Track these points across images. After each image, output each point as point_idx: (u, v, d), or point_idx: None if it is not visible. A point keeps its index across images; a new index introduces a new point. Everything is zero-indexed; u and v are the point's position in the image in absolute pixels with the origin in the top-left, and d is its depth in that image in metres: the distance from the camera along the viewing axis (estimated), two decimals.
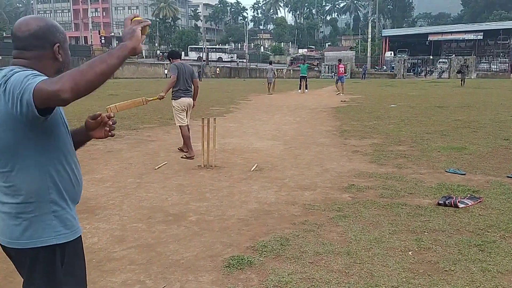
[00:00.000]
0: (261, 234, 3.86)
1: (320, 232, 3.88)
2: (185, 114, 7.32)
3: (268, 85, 23.90)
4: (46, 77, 1.42)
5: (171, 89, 7.16)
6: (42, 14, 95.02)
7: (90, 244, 3.68)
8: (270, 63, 27.34)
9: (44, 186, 1.56)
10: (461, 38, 59.15)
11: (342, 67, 24.14)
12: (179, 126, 7.29)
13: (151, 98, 7.18)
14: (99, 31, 76.57)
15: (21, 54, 1.58)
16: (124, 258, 3.42)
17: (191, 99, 7.32)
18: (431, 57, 54.17)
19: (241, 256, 3.38)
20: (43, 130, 1.53)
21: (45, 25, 1.60)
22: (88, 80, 1.36)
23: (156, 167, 6.43)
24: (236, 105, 16.72)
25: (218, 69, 59.31)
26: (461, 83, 27.86)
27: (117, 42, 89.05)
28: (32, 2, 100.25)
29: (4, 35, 74.42)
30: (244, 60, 66.44)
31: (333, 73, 46.07)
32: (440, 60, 52.60)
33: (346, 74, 50.14)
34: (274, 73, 24.85)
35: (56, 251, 1.59)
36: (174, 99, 7.23)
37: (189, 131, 7.39)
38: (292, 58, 66.32)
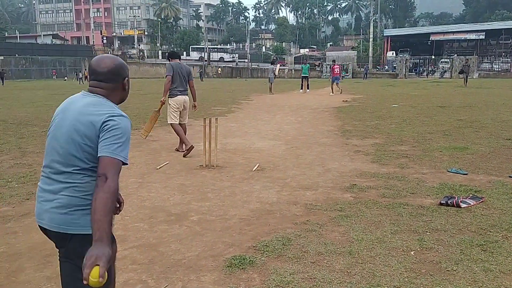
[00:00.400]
0: (263, 234, 3.86)
1: (322, 232, 3.88)
2: (180, 113, 7.43)
3: (270, 85, 23.89)
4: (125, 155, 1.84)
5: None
6: (44, 14, 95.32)
7: None
8: (272, 63, 27.17)
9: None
10: (463, 38, 59.00)
11: (337, 68, 23.98)
12: (170, 123, 7.37)
13: (158, 108, 7.35)
14: (100, 31, 76.73)
15: (99, 84, 1.97)
16: (126, 258, 3.42)
17: (187, 97, 7.42)
18: (433, 57, 54.05)
19: (243, 256, 3.38)
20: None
21: (119, 63, 2.02)
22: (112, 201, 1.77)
23: (158, 167, 6.43)
24: (238, 105, 16.73)
25: (219, 69, 59.36)
26: (464, 83, 27.57)
27: (118, 42, 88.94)
28: (34, 2, 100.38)
29: (6, 35, 74.53)
30: (246, 60, 66.43)
31: (328, 74, 45.83)
32: (442, 60, 52.45)
33: (348, 74, 50.36)
34: (274, 73, 24.77)
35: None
36: (170, 97, 7.36)
37: (185, 130, 7.47)
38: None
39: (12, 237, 3.86)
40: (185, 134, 7.50)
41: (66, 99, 2.03)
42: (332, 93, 22.83)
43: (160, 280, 3.08)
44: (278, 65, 31.32)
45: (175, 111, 7.35)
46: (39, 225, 1.99)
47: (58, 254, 2.06)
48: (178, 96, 7.29)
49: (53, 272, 3.20)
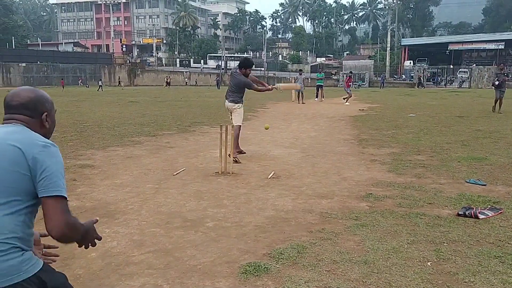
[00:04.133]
0: (278, 242, 3.87)
1: (337, 240, 3.87)
2: (230, 115, 7.89)
3: (298, 94, 23.02)
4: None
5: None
6: (66, 23, 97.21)
7: (109, 248, 3.73)
8: (300, 71, 26.25)
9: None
10: (482, 48, 58.33)
11: (349, 80, 24.28)
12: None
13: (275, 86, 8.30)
14: (120, 39, 77.97)
15: (13, 116, 1.77)
16: (142, 262, 3.46)
17: (227, 102, 7.84)
18: (451, 66, 53.51)
19: (258, 263, 3.39)
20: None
21: (37, 96, 1.81)
22: (73, 237, 1.69)
23: (175, 173, 6.49)
24: (254, 113, 16.79)
25: None
26: (496, 107, 15.87)
27: (137, 50, 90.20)
28: (56, 11, 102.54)
29: (29, 42, 76.22)
30: (262, 69, 66.67)
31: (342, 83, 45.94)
32: (460, 69, 51.91)
33: (364, 83, 50.18)
34: (302, 83, 23.62)
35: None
36: None
37: (238, 135, 7.63)
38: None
39: None
40: (236, 139, 7.54)
41: None
42: (348, 103, 22.42)
43: (176, 285, 3.10)
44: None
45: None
46: None
47: None
48: (225, 101, 7.90)
49: (71, 275, 3.24)
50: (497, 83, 15.20)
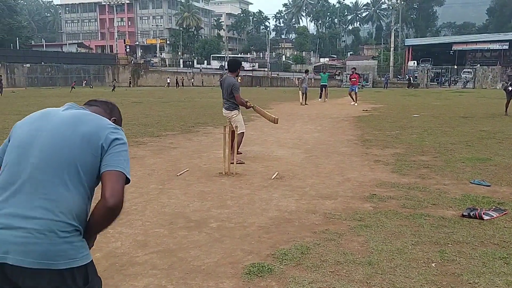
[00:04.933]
0: (282, 242, 3.86)
1: (341, 241, 3.86)
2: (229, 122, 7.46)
3: (302, 95, 22.31)
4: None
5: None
6: (70, 23, 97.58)
7: (113, 248, 3.74)
8: (306, 72, 25.34)
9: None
10: (486, 48, 58.14)
11: (354, 77, 23.00)
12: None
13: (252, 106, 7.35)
14: (124, 40, 78.15)
15: (88, 107, 1.90)
16: (146, 263, 3.47)
17: (224, 109, 7.55)
18: (455, 66, 53.37)
19: (262, 264, 3.38)
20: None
21: (112, 103, 2.02)
22: (117, 215, 1.64)
23: (178, 174, 6.50)
24: (257, 113, 16.77)
25: (239, 78, 59.72)
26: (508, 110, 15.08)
27: (141, 50, 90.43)
28: (60, 11, 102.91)
29: (33, 43, 76.50)
30: (266, 69, 66.70)
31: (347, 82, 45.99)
32: (464, 70, 51.77)
33: (368, 84, 50.25)
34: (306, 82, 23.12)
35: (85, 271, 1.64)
36: None
37: (238, 142, 7.33)
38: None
39: None
40: (238, 145, 7.35)
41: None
42: (355, 102, 21.63)
43: (180, 286, 3.10)
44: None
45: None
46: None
47: None
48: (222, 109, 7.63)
49: None
50: (510, 88, 14.37)
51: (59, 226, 1.54)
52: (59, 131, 1.67)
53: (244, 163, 7.23)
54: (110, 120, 1.85)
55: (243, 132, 7.60)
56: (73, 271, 1.55)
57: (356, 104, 21.32)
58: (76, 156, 1.63)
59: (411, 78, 50.04)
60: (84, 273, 1.60)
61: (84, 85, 53.82)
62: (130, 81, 57.29)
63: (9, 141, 1.74)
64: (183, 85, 51.70)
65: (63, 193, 1.58)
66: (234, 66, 7.52)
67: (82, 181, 1.63)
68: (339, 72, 56.57)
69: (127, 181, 1.68)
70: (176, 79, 53.56)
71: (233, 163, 6.55)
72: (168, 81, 53.89)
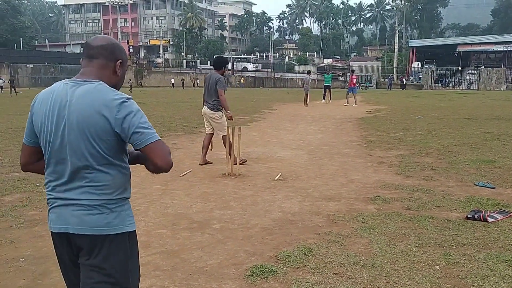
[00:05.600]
0: (285, 244, 3.85)
1: (345, 243, 3.84)
2: (208, 123, 7.29)
3: (305, 96, 22.45)
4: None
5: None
6: (73, 24, 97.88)
7: None
8: (308, 72, 25.50)
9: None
10: (490, 49, 57.90)
11: (354, 78, 23.99)
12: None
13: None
14: (127, 40, 78.27)
15: (88, 63, 1.88)
16: (149, 264, 3.46)
17: (205, 108, 7.17)
18: (460, 68, 53.20)
19: (265, 265, 3.37)
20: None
21: (115, 43, 1.94)
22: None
23: (181, 175, 6.49)
24: (261, 115, 16.78)
25: (242, 78, 59.74)
26: None
27: (144, 51, 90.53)
28: (64, 12, 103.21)
29: (36, 43, 76.75)
30: (269, 70, 66.68)
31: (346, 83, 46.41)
32: (469, 71, 51.60)
33: (372, 85, 50.36)
34: (308, 84, 23.19)
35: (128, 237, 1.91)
36: None
37: (211, 144, 7.35)
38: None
39: (39, 240, 3.94)
40: (211, 148, 7.37)
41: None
42: (347, 103, 22.42)
43: (182, 287, 3.09)
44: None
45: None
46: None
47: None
48: (203, 107, 7.28)
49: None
50: None
51: (105, 201, 1.81)
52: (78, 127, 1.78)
53: (246, 160, 7.26)
54: (116, 63, 1.89)
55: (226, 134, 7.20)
56: (123, 236, 1.85)
57: (346, 105, 21.97)
58: (102, 145, 1.79)
59: (403, 80, 50.84)
60: (127, 239, 1.88)
61: None
62: (140, 82, 56.65)
63: None
64: (183, 87, 51.45)
65: (107, 174, 1.82)
66: (220, 63, 7.24)
67: (112, 162, 1.82)
68: (342, 73, 56.47)
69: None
70: (182, 82, 53.30)
71: (236, 163, 6.54)
72: (172, 81, 53.76)
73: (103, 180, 1.81)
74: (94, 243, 1.82)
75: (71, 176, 1.80)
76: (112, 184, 1.82)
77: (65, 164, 1.80)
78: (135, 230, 1.95)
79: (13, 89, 33.22)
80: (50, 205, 1.87)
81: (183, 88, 50.28)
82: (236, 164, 6.54)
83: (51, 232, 1.89)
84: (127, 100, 1.79)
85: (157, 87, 54.77)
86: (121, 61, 1.91)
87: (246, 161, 7.26)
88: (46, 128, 1.81)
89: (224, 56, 7.04)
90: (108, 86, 1.82)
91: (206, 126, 7.39)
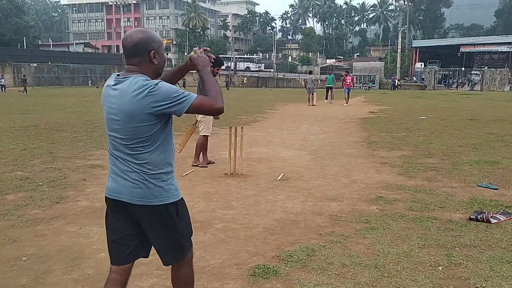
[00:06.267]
0: (287, 244, 3.85)
1: (347, 243, 3.84)
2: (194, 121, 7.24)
3: (309, 96, 22.52)
4: (195, 95, 2.09)
5: None
6: (77, 23, 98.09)
7: None
8: (310, 72, 25.85)
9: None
10: (494, 50, 57.68)
11: (349, 79, 24.47)
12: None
13: (194, 122, 7.19)
14: None
15: (128, 61, 2.14)
16: (151, 263, 3.45)
17: None
18: (463, 68, 53.04)
19: (267, 265, 3.37)
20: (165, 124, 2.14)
21: (144, 37, 2.12)
22: (221, 94, 2.15)
23: (184, 174, 6.49)
24: (263, 114, 16.77)
25: (245, 78, 59.76)
26: None
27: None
28: (67, 11, 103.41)
29: (40, 43, 76.90)
30: (272, 70, 66.66)
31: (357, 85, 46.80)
32: (472, 72, 51.42)
33: (375, 85, 50.35)
34: (313, 83, 23.27)
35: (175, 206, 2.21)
36: None
37: (205, 145, 7.32)
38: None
39: (41, 239, 3.95)
40: (201, 149, 7.32)
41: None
42: (346, 103, 22.95)
43: None
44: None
45: None
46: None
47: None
48: None
49: (81, 274, 3.26)
50: None
51: (151, 176, 2.10)
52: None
53: (207, 167, 7.11)
54: (150, 54, 2.11)
55: (207, 136, 7.20)
56: (168, 206, 2.15)
57: (345, 104, 22.48)
58: (142, 132, 2.08)
59: (395, 81, 50.68)
60: (175, 207, 2.19)
61: (90, 85, 54.01)
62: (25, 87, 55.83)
63: None
64: (184, 86, 51.26)
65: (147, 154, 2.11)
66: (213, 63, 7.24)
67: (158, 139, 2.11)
68: (345, 74, 56.42)
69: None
70: (184, 81, 53.15)
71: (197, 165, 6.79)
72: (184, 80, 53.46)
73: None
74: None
75: None
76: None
77: None
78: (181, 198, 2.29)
79: (25, 88, 33.66)
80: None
81: (184, 87, 50.10)
82: (196, 165, 6.93)
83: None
84: (152, 86, 2.05)
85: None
86: (153, 51, 2.12)
87: (206, 166, 7.14)
88: None
89: (219, 56, 7.03)
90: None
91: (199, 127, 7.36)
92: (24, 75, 40.54)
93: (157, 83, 2.03)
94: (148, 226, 2.19)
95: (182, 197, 2.26)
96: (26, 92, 33.05)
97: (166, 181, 2.15)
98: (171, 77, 2.42)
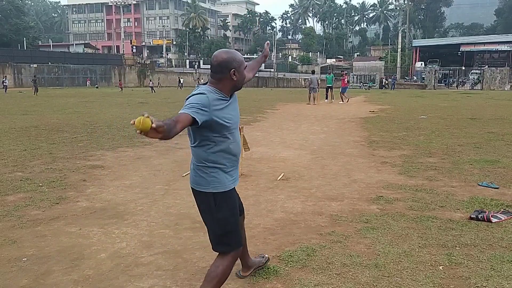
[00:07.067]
0: (287, 244, 3.84)
1: (348, 243, 3.83)
2: None
3: (310, 95, 22.73)
4: (189, 110, 2.36)
5: None
6: (77, 24, 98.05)
7: (118, 248, 3.73)
8: (313, 72, 25.91)
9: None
10: (494, 49, 57.68)
11: (345, 79, 25.84)
12: None
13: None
14: (130, 40, 78.42)
15: (212, 75, 2.57)
16: (151, 264, 3.46)
17: None
18: (463, 68, 53.03)
19: (267, 266, 3.36)
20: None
21: (227, 57, 2.53)
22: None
23: (184, 174, 6.49)
24: (263, 114, 16.76)
25: None
26: None
27: (147, 51, 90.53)
28: (67, 12, 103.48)
29: (40, 43, 76.96)
30: (272, 70, 66.67)
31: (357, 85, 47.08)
32: (472, 71, 51.41)
33: (375, 85, 50.38)
34: (318, 83, 23.37)
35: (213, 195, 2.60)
36: None
37: None
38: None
39: (41, 240, 3.95)
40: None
41: None
42: (342, 101, 23.74)
43: (184, 287, 3.09)
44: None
45: None
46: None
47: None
48: None
49: (81, 275, 3.25)
50: None
51: (197, 167, 2.60)
52: None
53: None
54: (230, 72, 2.51)
55: None
56: (207, 194, 2.58)
57: (340, 102, 23.38)
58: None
59: (383, 80, 51.61)
60: (213, 197, 2.58)
61: (88, 85, 53.96)
62: (158, 82, 55.07)
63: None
64: (181, 87, 50.82)
65: (194, 149, 2.61)
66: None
67: (198, 139, 2.57)
68: (345, 73, 56.38)
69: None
70: (181, 81, 52.59)
71: None
72: (182, 81, 52.96)
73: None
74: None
75: None
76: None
77: None
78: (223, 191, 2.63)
79: (35, 88, 33.73)
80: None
81: (181, 88, 49.45)
82: None
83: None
84: (190, 97, 2.49)
85: (160, 87, 54.83)
86: (234, 69, 2.52)
87: None
88: None
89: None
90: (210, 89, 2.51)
91: None
92: (35, 75, 40.56)
93: (190, 96, 2.45)
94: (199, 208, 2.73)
95: (225, 191, 2.59)
96: (37, 92, 32.96)
97: (209, 174, 2.56)
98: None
